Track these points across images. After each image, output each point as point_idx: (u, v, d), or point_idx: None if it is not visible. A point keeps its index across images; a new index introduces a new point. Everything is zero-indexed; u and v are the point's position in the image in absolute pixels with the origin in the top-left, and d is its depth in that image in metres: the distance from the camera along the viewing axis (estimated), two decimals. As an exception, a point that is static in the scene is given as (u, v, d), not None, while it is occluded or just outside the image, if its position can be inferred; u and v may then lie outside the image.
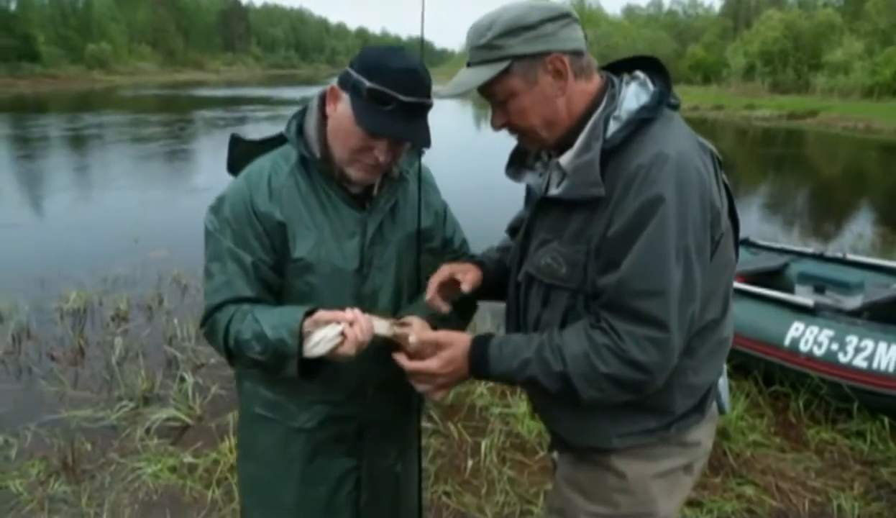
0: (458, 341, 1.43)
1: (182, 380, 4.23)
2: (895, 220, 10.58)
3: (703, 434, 1.51)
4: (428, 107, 1.46)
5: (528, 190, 1.59)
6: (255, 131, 1.89)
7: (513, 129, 1.42)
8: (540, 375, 1.34)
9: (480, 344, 1.41)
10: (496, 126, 1.42)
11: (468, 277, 1.56)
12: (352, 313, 1.37)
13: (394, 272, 1.59)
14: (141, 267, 6.64)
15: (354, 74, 1.42)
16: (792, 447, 3.57)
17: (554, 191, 1.41)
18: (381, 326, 1.43)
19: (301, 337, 1.36)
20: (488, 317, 4.92)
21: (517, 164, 1.58)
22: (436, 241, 1.69)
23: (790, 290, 4.46)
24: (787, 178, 15.85)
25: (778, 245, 5.44)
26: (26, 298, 5.65)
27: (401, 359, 1.44)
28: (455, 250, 1.74)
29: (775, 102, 33.77)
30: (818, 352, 3.79)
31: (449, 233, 1.74)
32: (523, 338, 1.40)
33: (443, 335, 1.43)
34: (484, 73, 1.33)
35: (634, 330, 1.27)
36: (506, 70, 1.32)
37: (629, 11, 75.79)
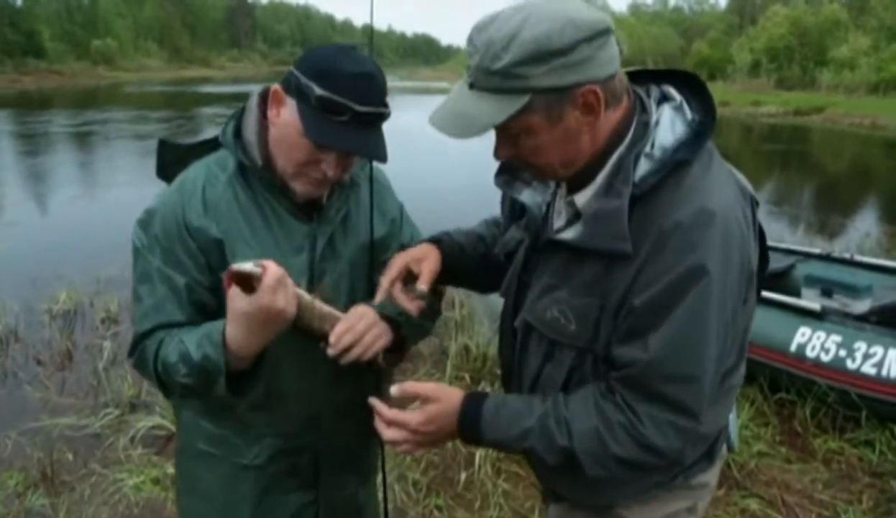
0: (447, 398, 1.21)
1: (169, 385, 4.11)
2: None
3: (711, 476, 1.35)
4: (385, 116, 1.30)
5: (516, 204, 1.36)
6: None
7: (522, 163, 1.18)
8: (541, 448, 1.16)
9: (473, 405, 1.20)
10: (500, 157, 1.19)
11: (426, 269, 1.35)
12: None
13: (347, 288, 1.43)
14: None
15: (302, 78, 1.25)
16: (798, 457, 3.44)
17: (567, 234, 1.16)
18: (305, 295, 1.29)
19: (225, 348, 1.21)
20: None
21: (509, 174, 1.36)
22: (392, 250, 1.52)
23: (796, 293, 4.33)
24: (793, 175, 15.66)
25: (784, 245, 5.30)
26: (16, 299, 5.55)
27: (378, 406, 1.24)
28: None
29: (781, 99, 33.49)
30: (825, 358, 3.66)
31: (406, 237, 1.58)
32: (523, 402, 1.20)
33: (430, 389, 1.23)
34: (497, 110, 1.06)
35: (657, 414, 1.09)
36: (525, 106, 1.05)
37: (635, 8, 75.41)
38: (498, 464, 3.32)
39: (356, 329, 1.32)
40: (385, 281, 1.33)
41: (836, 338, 3.67)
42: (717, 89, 39.58)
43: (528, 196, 1.32)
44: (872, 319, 3.97)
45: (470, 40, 1.07)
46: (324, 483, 1.53)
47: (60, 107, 30.70)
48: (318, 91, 1.22)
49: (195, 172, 1.38)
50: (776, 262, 4.87)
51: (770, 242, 4.86)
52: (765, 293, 4.07)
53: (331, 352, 1.30)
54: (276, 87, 1.31)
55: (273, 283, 1.15)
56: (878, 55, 35.97)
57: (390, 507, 2.97)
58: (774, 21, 45.80)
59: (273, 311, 1.17)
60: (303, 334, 1.31)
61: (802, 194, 13.33)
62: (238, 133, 1.37)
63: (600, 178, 1.13)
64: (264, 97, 1.37)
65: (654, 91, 1.17)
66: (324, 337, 1.31)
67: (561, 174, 1.18)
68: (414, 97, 44.77)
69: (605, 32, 1.04)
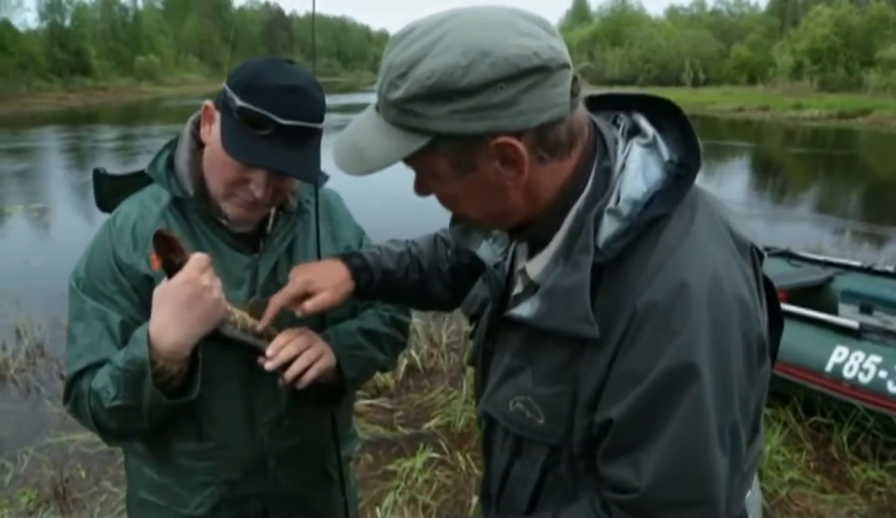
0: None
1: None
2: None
3: None
4: (315, 132, 1.20)
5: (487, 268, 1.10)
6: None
7: (445, 205, 0.97)
8: None
9: None
10: (418, 194, 0.97)
11: (319, 300, 1.20)
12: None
13: (292, 321, 1.28)
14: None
15: (229, 92, 1.17)
16: (834, 487, 3.24)
17: (523, 310, 0.94)
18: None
19: (149, 342, 1.12)
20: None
21: (464, 224, 1.13)
22: None
23: (833, 309, 4.12)
24: (837, 181, 15.14)
25: (821, 257, 5.05)
26: (46, 314, 5.61)
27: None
28: None
29: (824, 101, 32.62)
30: (864, 379, 3.44)
31: None
32: None
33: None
34: (392, 148, 0.86)
35: None
36: (428, 145, 0.84)
37: (672, 12, 74.56)
38: (513, 488, 3.20)
39: (297, 341, 1.23)
40: (275, 301, 1.22)
41: (876, 358, 3.45)
42: (757, 93, 38.86)
43: (486, 250, 1.09)
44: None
45: (387, 47, 0.88)
46: None
47: (105, 122, 31.55)
48: (239, 103, 1.14)
49: (127, 208, 1.31)
50: (813, 275, 4.65)
51: (805, 254, 4.64)
52: (799, 309, 3.90)
53: (269, 365, 1.20)
54: (207, 103, 1.23)
55: (199, 259, 1.13)
56: (927, 55, 34.80)
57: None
58: (818, 21, 44.78)
59: (198, 286, 1.12)
60: (234, 347, 1.22)
61: (846, 201, 12.86)
62: (171, 164, 1.29)
63: (555, 242, 0.92)
64: (197, 124, 1.29)
65: (624, 120, 0.96)
66: (256, 348, 1.22)
67: (491, 227, 1.01)
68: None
69: (537, 71, 0.80)
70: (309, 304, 1.21)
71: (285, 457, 1.37)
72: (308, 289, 1.22)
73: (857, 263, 4.80)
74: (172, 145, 1.32)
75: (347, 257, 1.30)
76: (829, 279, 4.61)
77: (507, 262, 1.07)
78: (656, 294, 0.84)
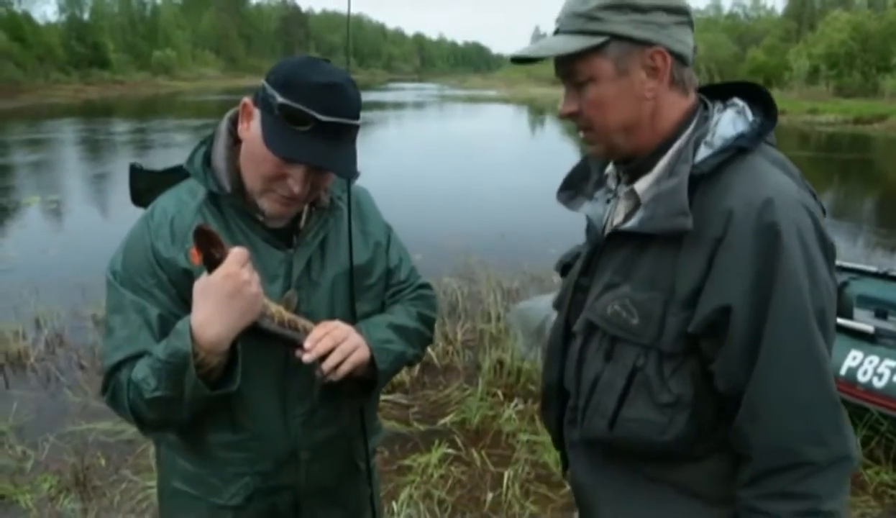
0: None
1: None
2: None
3: None
4: (353, 128, 1.24)
5: (588, 223, 1.33)
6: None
7: (582, 121, 1.19)
8: None
9: None
10: (563, 112, 1.20)
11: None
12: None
13: (326, 316, 1.33)
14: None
15: (268, 89, 1.21)
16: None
17: (627, 224, 1.17)
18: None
19: (192, 337, 1.16)
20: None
21: (573, 190, 1.36)
22: (375, 275, 1.45)
23: (848, 313, 4.11)
24: (852, 186, 15.05)
25: (837, 262, 5.04)
26: (64, 304, 5.69)
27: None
28: (401, 280, 1.51)
29: (840, 107, 32.34)
30: (878, 384, 3.45)
31: (393, 262, 1.50)
32: None
33: None
34: (576, 42, 1.11)
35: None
36: (599, 46, 1.10)
37: (689, 14, 74.06)
38: (527, 485, 3.23)
39: (333, 334, 1.26)
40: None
41: (891, 362, 3.45)
42: (773, 97, 38.54)
43: (589, 208, 1.32)
44: (932, 343, 3.74)
45: (566, 1, 1.17)
46: None
47: (121, 115, 31.80)
48: (280, 99, 1.18)
49: (164, 202, 1.34)
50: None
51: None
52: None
53: (307, 357, 1.24)
54: (246, 100, 1.27)
55: (239, 254, 1.17)
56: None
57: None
58: (835, 26, 44.37)
59: (239, 280, 1.15)
60: (273, 340, 1.26)
61: (861, 206, 12.78)
62: (208, 160, 1.32)
63: (660, 164, 1.16)
64: (234, 121, 1.32)
65: (718, 103, 1.21)
66: (294, 341, 1.26)
67: (617, 142, 1.17)
68: (464, 105, 44.81)
69: (683, 12, 1.12)
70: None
71: (317, 448, 1.40)
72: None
73: (872, 269, 4.78)
74: (209, 141, 1.35)
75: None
76: (845, 284, 4.59)
77: (607, 215, 1.29)
78: (749, 199, 1.04)
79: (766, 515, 1.07)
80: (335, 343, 1.25)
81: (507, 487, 3.18)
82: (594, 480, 1.30)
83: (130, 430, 3.77)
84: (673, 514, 1.20)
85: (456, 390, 4.24)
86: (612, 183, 1.29)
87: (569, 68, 1.14)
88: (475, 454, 3.48)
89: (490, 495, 3.15)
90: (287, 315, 1.26)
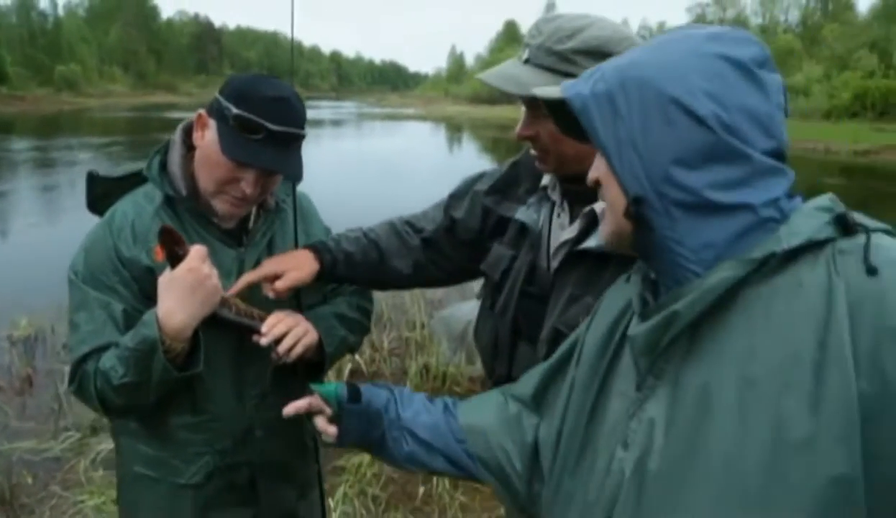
0: None
1: (132, 409, 4.12)
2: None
3: None
4: (299, 137, 1.39)
5: (499, 222, 1.48)
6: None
7: (538, 146, 1.30)
8: None
9: None
10: (521, 135, 1.31)
11: (288, 278, 1.43)
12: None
13: (275, 308, 1.46)
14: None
15: (223, 101, 1.34)
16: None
17: (590, 243, 1.26)
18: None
19: (159, 325, 1.27)
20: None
21: (500, 194, 1.49)
22: None
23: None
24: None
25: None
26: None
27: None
28: None
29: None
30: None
31: None
32: None
33: None
34: (546, 82, 1.16)
35: None
36: None
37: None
38: (456, 478, 3.41)
39: (286, 321, 1.41)
40: (244, 278, 1.41)
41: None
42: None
43: (524, 214, 1.42)
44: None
45: (536, 26, 1.26)
46: (263, 498, 1.57)
47: (21, 133, 30.26)
48: (235, 111, 1.31)
49: (124, 207, 1.45)
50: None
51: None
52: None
53: (264, 341, 1.38)
54: (200, 111, 1.40)
55: (200, 251, 1.30)
56: (829, 83, 37.35)
57: (350, 522, 3.06)
58: (732, 50, 47.15)
59: (200, 274, 1.28)
60: (230, 328, 1.39)
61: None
62: (164, 166, 1.44)
63: None
64: (187, 131, 1.45)
65: None
66: (251, 328, 1.39)
67: (573, 168, 1.26)
68: (383, 124, 45.03)
69: None
70: (279, 283, 1.42)
71: (270, 427, 1.52)
72: (278, 270, 1.43)
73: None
74: (163, 150, 1.47)
75: (311, 244, 1.53)
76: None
77: (546, 224, 1.39)
78: None
79: None
80: (288, 328, 1.40)
81: (438, 481, 3.34)
82: None
83: (57, 448, 3.74)
84: None
85: (385, 396, 4.37)
86: (554, 195, 1.40)
87: (532, 100, 1.19)
88: (406, 453, 3.63)
89: (422, 489, 3.31)
90: (243, 305, 1.40)
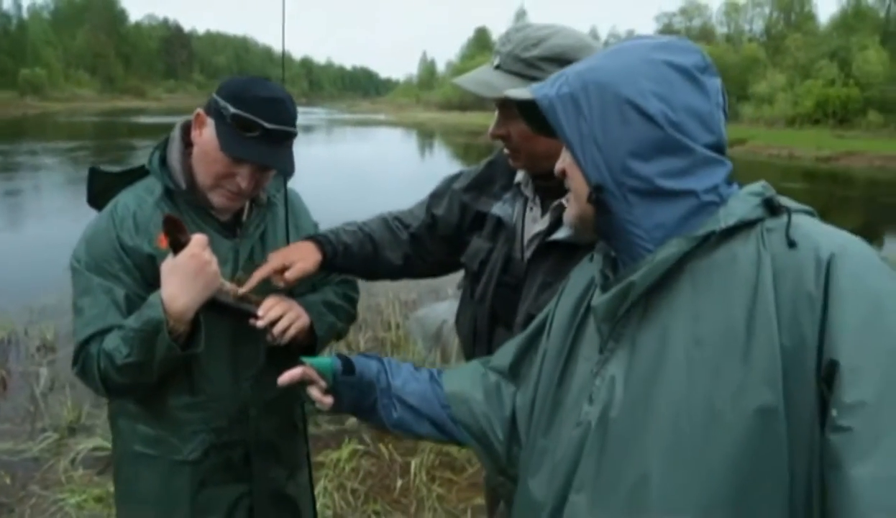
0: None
1: (110, 409, 4.14)
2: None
3: None
4: (292, 135, 1.48)
5: (477, 217, 1.62)
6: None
7: (510, 145, 1.43)
8: None
9: None
10: (493, 134, 1.44)
11: (297, 269, 1.53)
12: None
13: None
14: (70, 296, 6.41)
15: (220, 101, 1.43)
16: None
17: (559, 234, 1.40)
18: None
19: (164, 307, 1.36)
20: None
21: (477, 190, 1.62)
22: None
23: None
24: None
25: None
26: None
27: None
28: None
29: (707, 131, 35.13)
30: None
31: None
32: None
33: None
34: (519, 90, 1.28)
35: None
36: None
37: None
38: (433, 471, 3.51)
39: (280, 305, 1.51)
40: (257, 274, 1.51)
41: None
42: (646, 122, 41.29)
43: (499, 209, 1.56)
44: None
45: (506, 35, 1.40)
46: (256, 475, 1.66)
47: (-14, 137, 29.69)
48: (232, 110, 1.41)
49: (125, 199, 1.54)
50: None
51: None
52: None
53: (260, 323, 1.48)
54: (199, 110, 1.49)
55: (201, 239, 1.38)
56: (793, 91, 38.27)
57: (329, 513, 3.14)
58: (698, 58, 48.01)
59: (201, 260, 1.37)
60: (228, 314, 1.49)
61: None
62: (163, 161, 1.54)
63: None
64: (186, 128, 1.55)
65: None
66: (248, 313, 1.49)
67: (541, 165, 1.39)
68: (354, 129, 44.99)
69: None
70: (289, 273, 1.52)
71: (264, 407, 1.62)
72: (286, 262, 1.53)
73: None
74: (162, 146, 1.57)
75: (313, 236, 1.64)
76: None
77: (519, 217, 1.53)
78: None
79: None
80: (283, 311, 1.51)
81: (415, 474, 3.44)
82: None
83: (35, 449, 3.75)
84: None
85: (362, 394, 4.45)
86: (527, 190, 1.53)
87: (504, 101, 1.35)
88: (383, 448, 3.72)
89: (399, 482, 3.40)
90: (241, 291, 1.50)
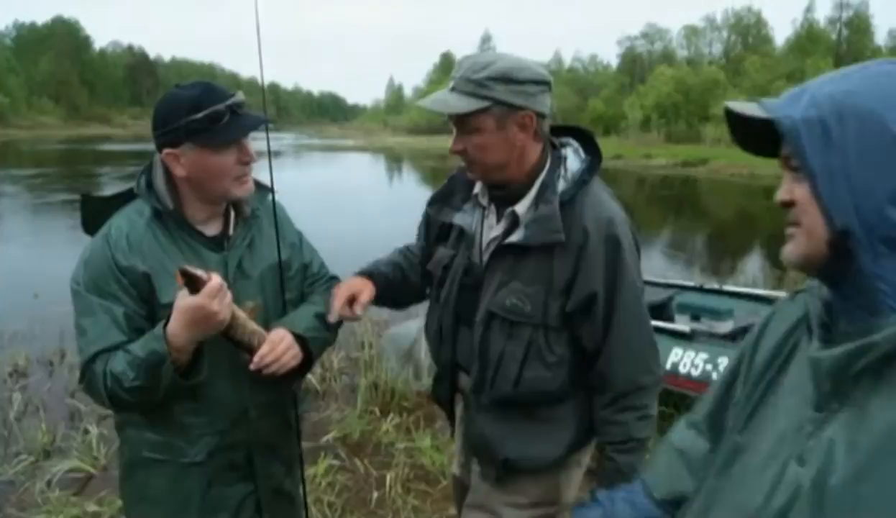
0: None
1: (86, 431, 4.14)
2: (776, 255, 11.47)
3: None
4: (241, 101, 1.59)
5: (441, 229, 1.81)
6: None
7: (467, 158, 1.60)
8: None
9: None
10: (453, 150, 1.61)
11: (364, 298, 1.74)
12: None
13: (257, 300, 1.66)
14: (41, 322, 6.33)
15: (179, 124, 1.51)
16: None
17: (513, 238, 1.59)
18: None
19: (167, 340, 1.44)
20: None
21: (441, 203, 1.78)
22: (293, 268, 1.80)
23: (672, 320, 4.86)
24: (683, 220, 16.92)
25: (664, 280, 5.90)
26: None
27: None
28: (315, 273, 1.88)
29: (670, 151, 36.07)
30: (695, 373, 4.15)
31: (307, 258, 1.86)
32: None
33: None
34: (468, 104, 1.51)
35: None
36: (485, 108, 1.50)
37: (534, 67, 78.70)
38: (408, 484, 3.58)
39: (276, 350, 1.59)
40: (337, 305, 1.70)
41: (704, 355, 4.18)
42: (612, 143, 41.96)
43: (460, 218, 1.74)
44: (737, 338, 4.52)
45: (459, 62, 1.58)
46: (259, 474, 1.76)
47: (-54, 166, 29.09)
48: (199, 115, 1.51)
49: (118, 222, 1.62)
50: (656, 295, 5.42)
51: (651, 278, 5.43)
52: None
53: (252, 367, 1.57)
54: (162, 154, 1.57)
55: (213, 289, 1.43)
56: (752, 112, 39.24)
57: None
58: (661, 80, 49.27)
59: (208, 311, 1.44)
60: (233, 344, 1.58)
61: (692, 235, 14.46)
62: (150, 184, 1.63)
63: (532, 193, 1.61)
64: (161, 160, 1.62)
65: (557, 140, 1.69)
66: (250, 349, 1.58)
67: (493, 175, 1.61)
68: (323, 154, 44.99)
69: (546, 82, 1.55)
70: (357, 307, 1.72)
71: (262, 408, 1.72)
72: (353, 294, 1.74)
73: (691, 284, 5.67)
74: (147, 170, 1.65)
75: (364, 272, 1.85)
76: (670, 298, 5.40)
77: (477, 226, 1.72)
78: (598, 218, 1.55)
79: (619, 423, 1.62)
80: (276, 358, 1.59)
81: (390, 487, 3.51)
82: (500, 431, 1.72)
83: (9, 472, 3.75)
84: (555, 437, 1.71)
85: (336, 411, 4.53)
86: (484, 201, 1.71)
87: (461, 119, 1.54)
88: (358, 463, 3.79)
89: (375, 495, 3.47)
90: (250, 326, 1.58)
